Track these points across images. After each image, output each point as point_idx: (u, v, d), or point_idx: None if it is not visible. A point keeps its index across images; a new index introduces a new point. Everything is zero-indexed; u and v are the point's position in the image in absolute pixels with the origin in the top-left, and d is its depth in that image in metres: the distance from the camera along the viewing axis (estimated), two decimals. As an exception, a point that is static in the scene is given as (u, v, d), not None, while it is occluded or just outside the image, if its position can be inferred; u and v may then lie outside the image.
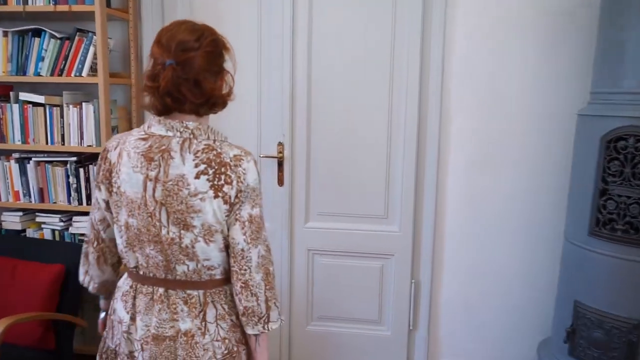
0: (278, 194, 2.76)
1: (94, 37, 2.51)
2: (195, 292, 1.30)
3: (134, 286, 1.34)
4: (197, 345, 1.29)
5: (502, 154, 2.60)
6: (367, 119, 2.68)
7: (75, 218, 2.68)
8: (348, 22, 2.64)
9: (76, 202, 2.64)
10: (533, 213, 2.62)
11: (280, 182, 2.76)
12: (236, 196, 1.24)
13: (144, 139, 1.26)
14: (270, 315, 1.30)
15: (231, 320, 1.34)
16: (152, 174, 1.23)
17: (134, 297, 1.33)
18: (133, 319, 1.32)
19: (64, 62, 2.56)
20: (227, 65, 1.31)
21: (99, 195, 1.35)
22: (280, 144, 2.73)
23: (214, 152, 1.24)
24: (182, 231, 1.24)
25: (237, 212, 1.25)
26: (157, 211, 1.24)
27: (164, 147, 1.24)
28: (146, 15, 2.79)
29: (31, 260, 2.40)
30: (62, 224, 2.68)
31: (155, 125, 1.27)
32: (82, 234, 2.66)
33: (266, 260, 1.29)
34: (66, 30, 2.60)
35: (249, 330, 1.31)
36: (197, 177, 1.22)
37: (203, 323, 1.30)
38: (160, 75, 1.21)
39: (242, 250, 1.26)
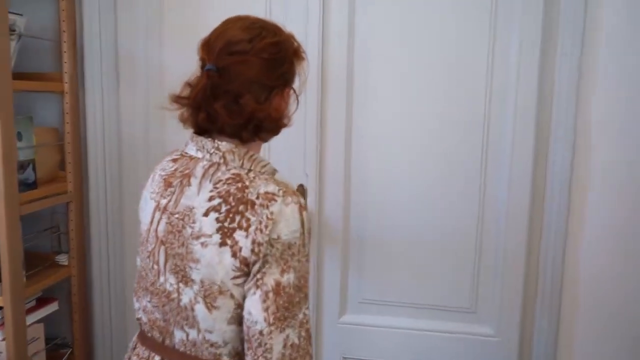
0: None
1: (-15, 9, 1.48)
2: None
3: (135, 342, 1.10)
4: None
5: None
6: (444, 156, 1.75)
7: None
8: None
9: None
10: None
11: (301, 250, 1.78)
12: (252, 250, 0.91)
13: (174, 160, 1.05)
14: None
15: None
16: (163, 202, 1.01)
17: (129, 358, 1.10)
18: None
19: None
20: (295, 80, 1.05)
21: None
22: (300, 187, 1.81)
23: (239, 184, 0.94)
24: (181, 284, 0.96)
25: (259, 276, 0.91)
26: (156, 250, 1.00)
27: (187, 171, 1.00)
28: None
29: None
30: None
31: (189, 144, 1.04)
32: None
33: (300, 352, 0.92)
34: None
35: None
36: (206, 214, 0.94)
37: None
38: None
39: (260, 333, 0.91)
